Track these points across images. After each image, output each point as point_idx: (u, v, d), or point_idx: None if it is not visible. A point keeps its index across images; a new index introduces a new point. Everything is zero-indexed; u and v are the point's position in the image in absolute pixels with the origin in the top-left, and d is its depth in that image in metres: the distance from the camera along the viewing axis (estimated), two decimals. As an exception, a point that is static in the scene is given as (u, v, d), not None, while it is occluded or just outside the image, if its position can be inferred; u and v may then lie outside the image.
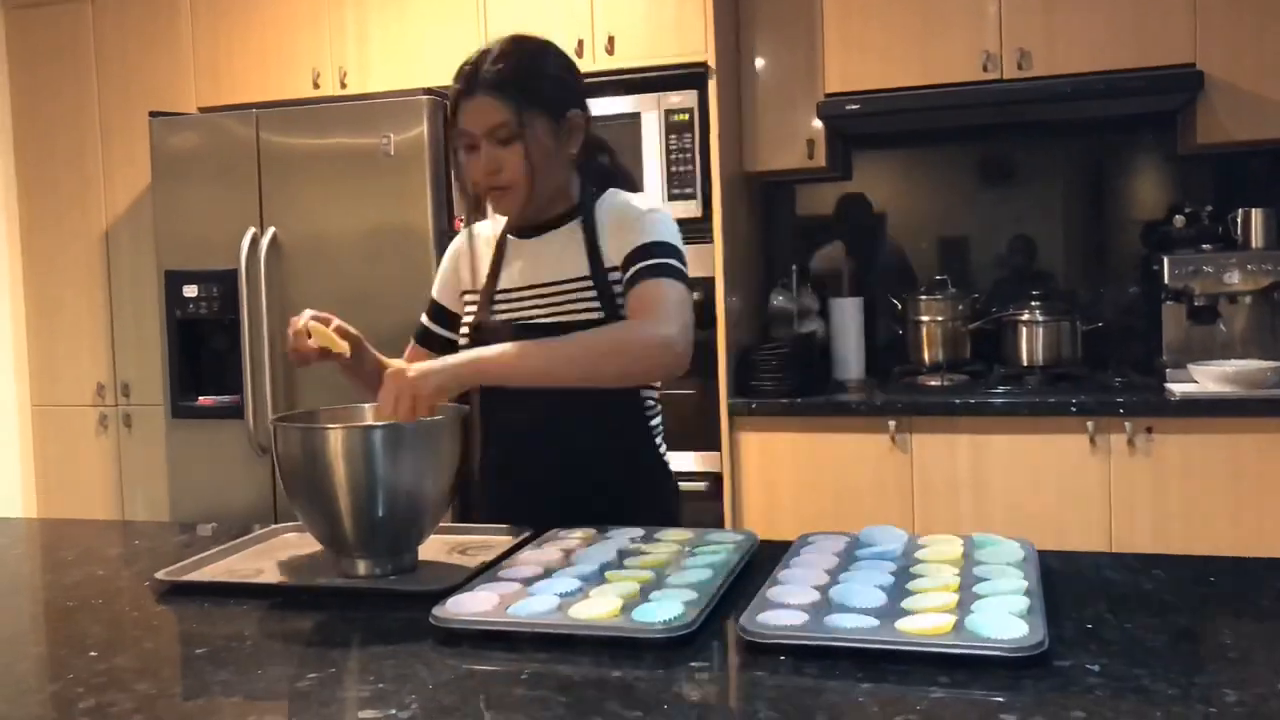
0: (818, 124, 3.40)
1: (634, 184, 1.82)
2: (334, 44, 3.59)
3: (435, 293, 1.88)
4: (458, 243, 1.87)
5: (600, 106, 3.31)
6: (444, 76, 3.47)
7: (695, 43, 3.22)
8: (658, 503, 1.77)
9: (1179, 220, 3.28)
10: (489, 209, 1.75)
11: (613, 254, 1.68)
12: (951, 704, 0.97)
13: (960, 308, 3.50)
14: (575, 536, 1.50)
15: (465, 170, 1.67)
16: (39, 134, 3.88)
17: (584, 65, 3.33)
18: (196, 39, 3.71)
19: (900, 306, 3.58)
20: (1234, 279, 3.14)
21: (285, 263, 3.40)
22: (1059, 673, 1.02)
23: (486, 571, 1.36)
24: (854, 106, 3.28)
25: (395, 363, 1.78)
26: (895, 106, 3.29)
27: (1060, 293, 3.56)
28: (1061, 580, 1.31)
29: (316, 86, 3.60)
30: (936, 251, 3.73)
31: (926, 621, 1.10)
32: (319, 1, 3.59)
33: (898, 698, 0.99)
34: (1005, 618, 1.09)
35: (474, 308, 1.78)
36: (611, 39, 3.33)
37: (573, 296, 1.68)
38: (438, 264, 3.21)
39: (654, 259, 1.62)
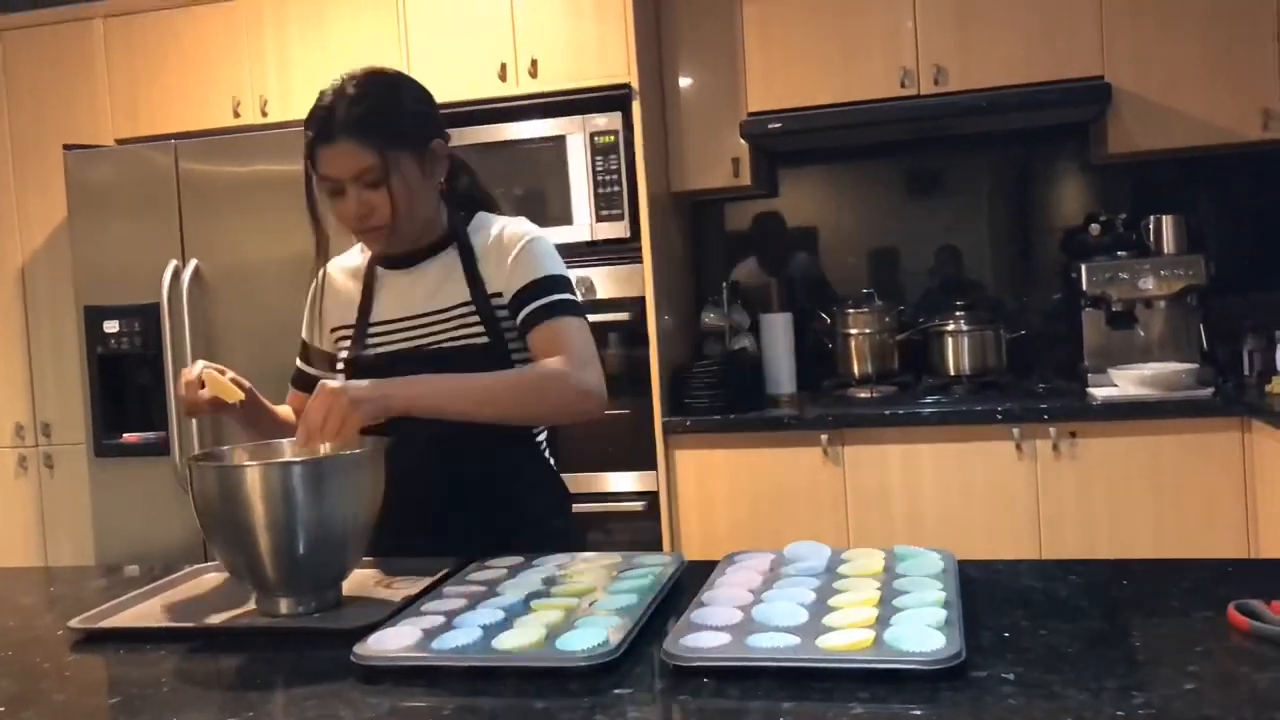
0: (742, 142, 3.44)
1: (497, 205, 1.83)
2: (254, 72, 3.55)
3: (304, 334, 1.85)
4: (318, 282, 1.82)
5: (524, 130, 3.32)
6: (366, 103, 3.46)
7: (618, 65, 3.25)
8: (552, 516, 1.78)
9: (1095, 229, 3.37)
10: (326, 247, 1.73)
11: (495, 281, 1.68)
12: (871, 719, 0.98)
13: (887, 320, 3.56)
14: (500, 566, 1.49)
15: (334, 213, 1.65)
16: (-51, 169, 3.79)
17: (507, 89, 3.35)
18: (112, 69, 3.65)
19: (829, 320, 3.62)
20: (1149, 284, 3.23)
21: (208, 295, 3.35)
22: (976, 683, 1.04)
23: (411, 605, 1.34)
24: (776, 125, 3.33)
25: (284, 409, 1.78)
26: (817, 124, 3.35)
27: (985, 301, 3.63)
28: (981, 589, 1.33)
29: (237, 115, 3.56)
30: (863, 265, 3.79)
31: (846, 637, 1.11)
32: (238, 30, 3.56)
33: (819, 715, 1.00)
34: (924, 630, 1.11)
35: (347, 342, 1.75)
36: (535, 62, 3.33)
37: (456, 323, 1.68)
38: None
39: (549, 295, 1.64)
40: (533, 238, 1.70)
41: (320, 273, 1.80)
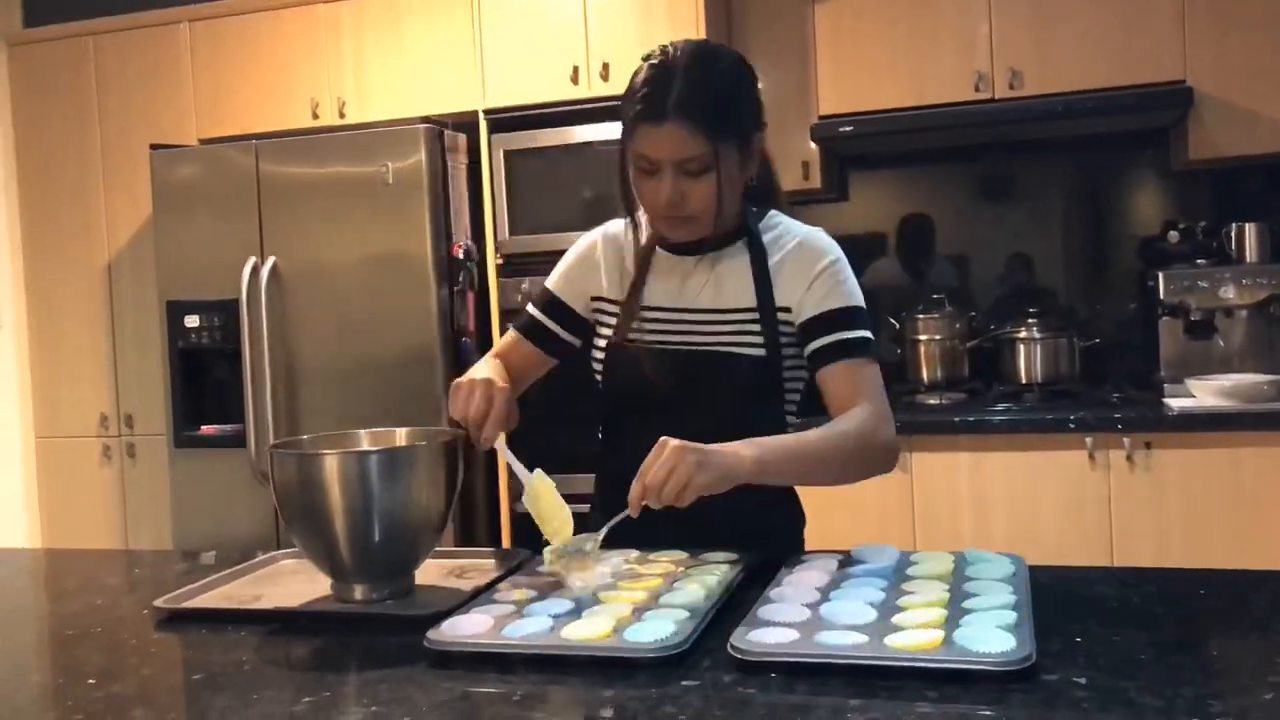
0: (813, 146, 3.43)
1: (783, 198, 1.70)
2: (332, 74, 3.63)
3: (555, 286, 1.71)
4: (595, 240, 1.70)
5: (596, 132, 3.34)
6: (441, 105, 3.54)
7: (689, 68, 3.25)
8: (789, 530, 1.70)
9: (1174, 236, 3.30)
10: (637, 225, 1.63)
11: (788, 294, 1.57)
12: (939, 718, 0.98)
13: (958, 326, 3.52)
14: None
15: (641, 193, 1.54)
16: (41, 167, 3.92)
17: (579, 91, 3.38)
18: (196, 71, 3.75)
19: (898, 326, 3.59)
20: (1229, 293, 3.15)
21: (286, 292, 3.42)
22: (1046, 686, 1.03)
23: (482, 594, 1.37)
24: (847, 128, 3.31)
25: (498, 373, 1.60)
26: (888, 127, 3.32)
27: (1057, 309, 3.57)
28: (1052, 595, 1.31)
29: (315, 117, 3.64)
30: (934, 270, 3.75)
31: (916, 637, 1.11)
32: (317, 32, 3.64)
33: (887, 713, 1.00)
34: (993, 632, 1.10)
35: (610, 319, 1.65)
36: (606, 66, 3.36)
37: (735, 328, 1.58)
38: (437, 291, 3.30)
39: (851, 331, 1.54)
40: (839, 258, 1.60)
41: (599, 234, 1.70)
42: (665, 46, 1.53)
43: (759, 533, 1.57)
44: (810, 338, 1.55)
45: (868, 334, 1.56)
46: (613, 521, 1.36)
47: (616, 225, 1.70)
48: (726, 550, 1.50)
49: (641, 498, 1.30)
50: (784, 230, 1.62)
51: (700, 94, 1.47)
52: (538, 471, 1.43)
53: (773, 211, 1.65)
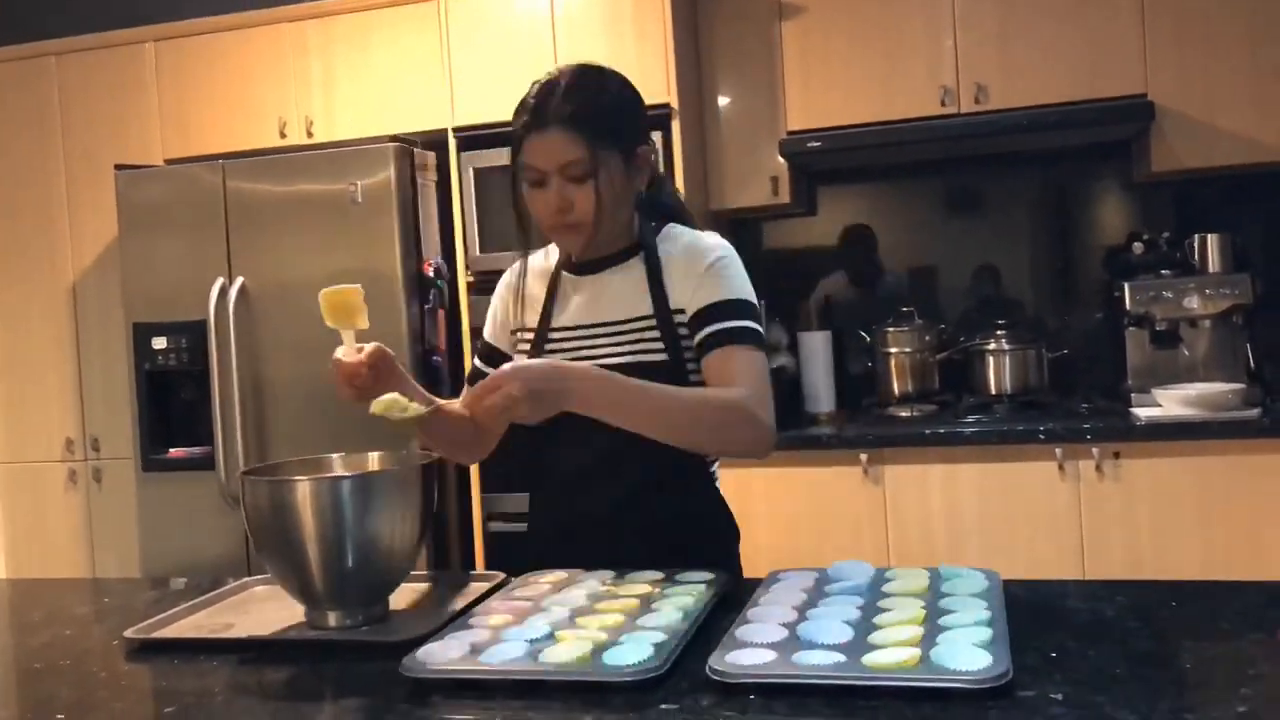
0: (781, 161, 3.45)
1: (691, 218, 1.76)
2: (300, 93, 3.61)
3: (487, 333, 1.81)
4: (508, 279, 1.79)
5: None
6: (410, 123, 3.54)
7: (658, 84, 3.27)
8: (719, 542, 1.72)
9: (1138, 247, 3.34)
10: (531, 241, 1.69)
11: (679, 296, 1.62)
12: (918, 738, 0.98)
13: (928, 338, 3.54)
14: (546, 581, 1.50)
15: (531, 205, 1.60)
16: (3, 187, 3.87)
17: (548, 109, 3.38)
18: (161, 91, 3.72)
19: (869, 339, 3.61)
20: (1193, 303, 3.19)
21: (254, 312, 3.39)
22: (1023, 703, 1.04)
23: (457, 619, 1.36)
24: (816, 143, 3.34)
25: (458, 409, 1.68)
26: (856, 142, 3.35)
27: (1026, 321, 3.60)
28: (1026, 609, 1.32)
29: (283, 135, 3.62)
30: (903, 283, 3.78)
31: (893, 655, 1.11)
32: (284, 51, 3.62)
33: (865, 733, 1.00)
34: (970, 649, 1.10)
35: (527, 346, 1.72)
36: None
37: (635, 336, 1.63)
38: (407, 309, 3.29)
39: (733, 320, 1.58)
40: (723, 255, 1.64)
41: (511, 271, 1.77)
42: (553, 69, 1.62)
43: (685, 545, 1.62)
44: (696, 329, 1.60)
45: (754, 325, 1.59)
46: (441, 402, 1.54)
47: (532, 258, 1.79)
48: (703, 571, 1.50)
49: (469, 411, 1.40)
50: (676, 237, 1.68)
51: (580, 102, 1.55)
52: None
53: (671, 224, 1.71)
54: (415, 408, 1.46)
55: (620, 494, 1.64)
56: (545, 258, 1.75)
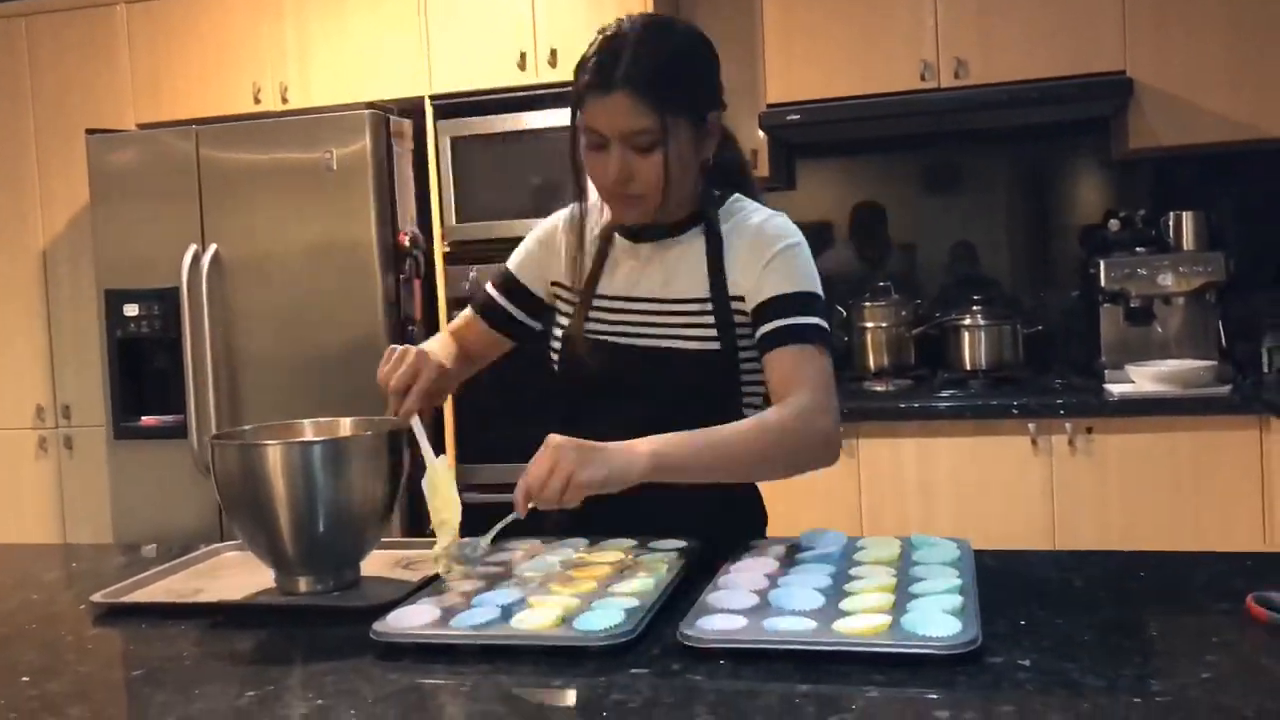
0: (760, 134, 3.44)
1: (756, 187, 1.64)
2: (274, 58, 3.57)
3: (515, 267, 1.68)
4: (557, 223, 1.66)
5: (543, 119, 3.32)
6: (386, 91, 3.50)
7: (637, 55, 3.24)
8: (746, 528, 1.63)
9: (1114, 224, 3.36)
10: (593, 209, 1.58)
11: (741, 282, 1.51)
12: (887, 703, 0.99)
13: (904, 313, 3.55)
14: (519, 548, 1.50)
15: (590, 168, 1.49)
16: (-28, 153, 3.81)
17: (526, 78, 3.35)
18: (134, 55, 3.67)
19: (845, 314, 3.62)
20: (1168, 281, 3.21)
21: (227, 280, 3.36)
22: (991, 669, 1.04)
23: (429, 585, 1.35)
24: (795, 117, 3.32)
25: (447, 348, 1.62)
26: (835, 116, 3.34)
27: (1002, 297, 3.62)
28: (997, 578, 1.33)
29: (258, 101, 3.58)
30: (880, 258, 3.78)
31: (863, 622, 1.11)
32: (259, 16, 3.57)
33: (835, 698, 1.00)
34: (940, 616, 1.11)
35: (567, 307, 1.62)
36: (554, 52, 3.34)
37: (686, 320, 1.52)
38: (383, 279, 3.26)
39: (801, 317, 1.47)
40: (795, 243, 1.52)
41: (562, 217, 1.65)
42: (620, 19, 1.49)
43: (716, 535, 1.51)
44: (759, 323, 1.49)
45: (820, 321, 1.49)
46: (501, 524, 1.34)
47: (572, 209, 1.65)
48: (675, 539, 1.49)
49: (525, 497, 1.26)
50: (743, 216, 1.55)
51: (649, 65, 1.42)
52: (443, 457, 1.42)
53: (736, 196, 1.59)
54: (483, 546, 1.37)
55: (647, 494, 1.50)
56: (600, 212, 1.61)
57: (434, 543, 1.37)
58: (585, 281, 1.59)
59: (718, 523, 1.55)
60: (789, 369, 1.45)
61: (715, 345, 1.51)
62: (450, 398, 3.35)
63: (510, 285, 1.68)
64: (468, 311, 1.71)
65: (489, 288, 1.70)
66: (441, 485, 1.39)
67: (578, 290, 1.60)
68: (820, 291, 1.53)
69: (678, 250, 1.56)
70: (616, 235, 1.60)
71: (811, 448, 1.42)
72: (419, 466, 1.42)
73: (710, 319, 1.52)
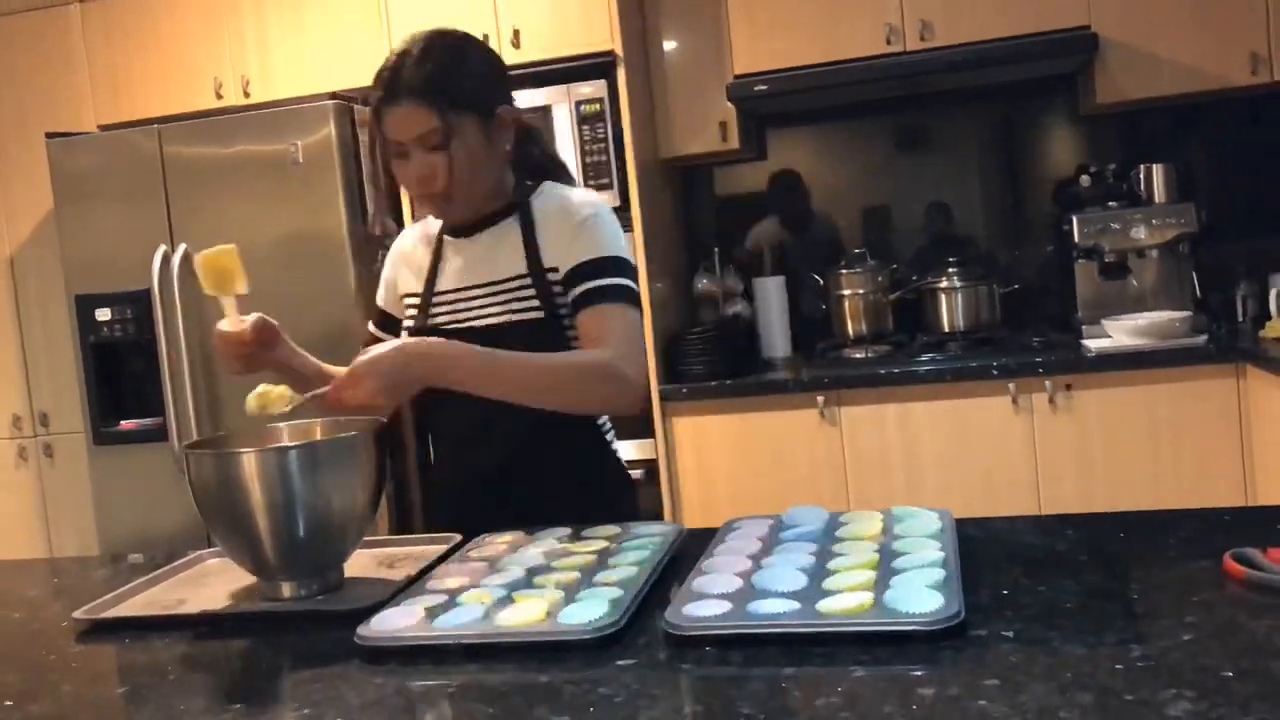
0: (730, 106, 3.42)
1: (568, 174, 1.79)
2: (234, 52, 3.52)
3: (380, 299, 1.85)
4: (397, 245, 1.83)
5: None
6: (348, 80, 3.46)
7: (601, 32, 3.22)
8: (612, 499, 1.74)
9: (1085, 180, 3.36)
10: (401, 213, 1.76)
11: (553, 254, 1.65)
12: (872, 682, 0.99)
13: (880, 279, 3.55)
14: (502, 542, 1.49)
15: (398, 176, 1.63)
16: (-68, 162, 3.76)
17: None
18: (91, 55, 3.62)
19: (822, 282, 3.61)
20: (1140, 234, 3.22)
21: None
22: (975, 642, 1.05)
23: (413, 585, 1.35)
24: (762, 87, 3.30)
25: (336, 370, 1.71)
26: (803, 84, 3.32)
27: (977, 257, 3.62)
28: (979, 547, 1.33)
29: (220, 97, 3.54)
30: (855, 224, 3.77)
31: (846, 601, 1.11)
32: (216, 10, 3.52)
33: (821, 680, 1.00)
34: (922, 591, 1.11)
35: (414, 311, 1.75)
36: (517, 32, 3.30)
37: (511, 296, 1.65)
38: (355, 270, 3.23)
39: (604, 279, 1.61)
40: (596, 212, 1.66)
41: (401, 237, 1.81)
42: (410, 35, 1.63)
43: (577, 501, 1.65)
44: (569, 287, 1.62)
45: (626, 282, 1.62)
46: (315, 392, 1.48)
47: (422, 223, 1.81)
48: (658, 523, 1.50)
49: (336, 397, 1.42)
50: (552, 196, 1.69)
51: (427, 71, 1.56)
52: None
53: (548, 183, 1.72)
54: (293, 397, 1.48)
55: (508, 451, 1.67)
56: (431, 223, 1.77)
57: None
58: (424, 281, 1.74)
59: (584, 502, 1.65)
60: (597, 326, 1.59)
61: (539, 314, 1.64)
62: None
63: (379, 316, 1.84)
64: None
65: (370, 325, 1.85)
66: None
67: (418, 293, 1.75)
68: (627, 255, 1.66)
69: (497, 237, 1.69)
70: (445, 237, 1.74)
71: (603, 390, 1.54)
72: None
73: (532, 292, 1.64)
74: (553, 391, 1.54)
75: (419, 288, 1.75)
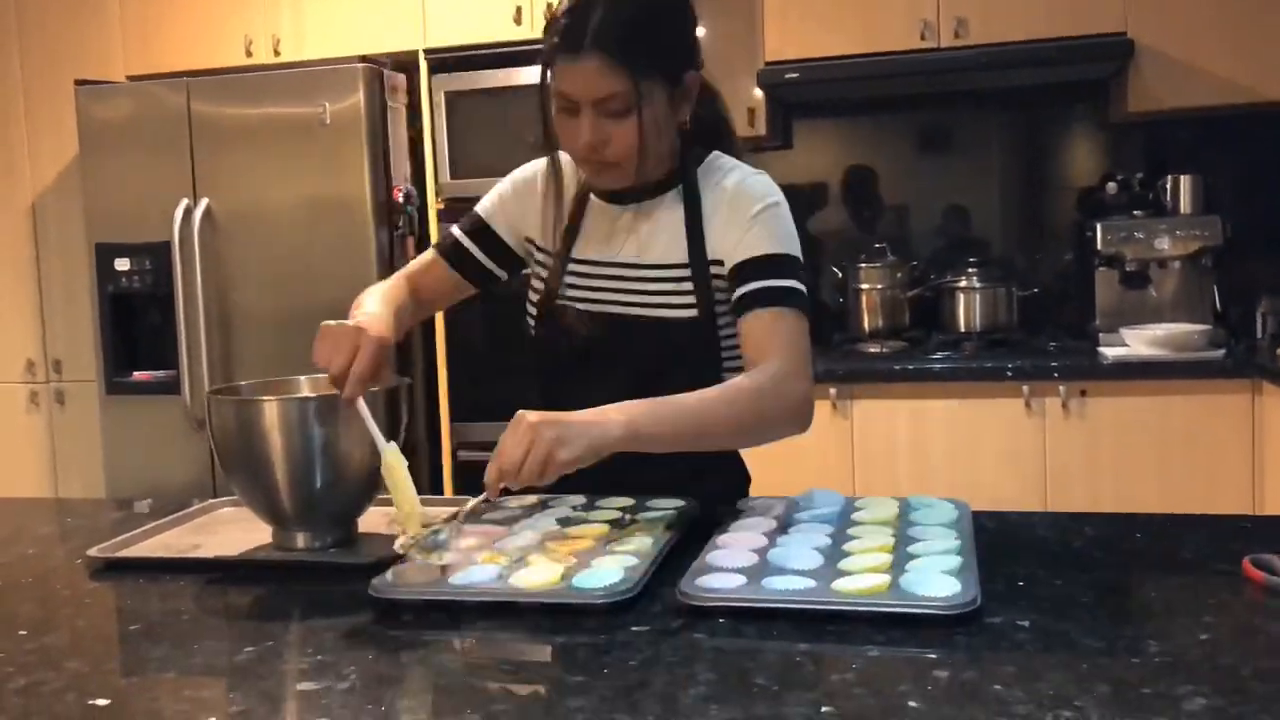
0: (758, 93, 3.41)
1: (737, 143, 1.57)
2: (267, 11, 3.51)
3: (486, 213, 1.61)
4: (536, 173, 1.59)
5: (538, 74, 3.27)
6: (380, 44, 3.46)
7: (634, 10, 3.20)
8: (729, 492, 1.59)
9: (1111, 187, 3.35)
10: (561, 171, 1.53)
11: (720, 245, 1.47)
12: (887, 661, 0.99)
13: (899, 275, 3.54)
14: (517, 506, 1.49)
15: (560, 133, 1.43)
16: (-41, 104, 3.76)
17: (522, 32, 3.31)
18: (123, 5, 3.61)
19: (840, 275, 3.61)
20: (1164, 245, 3.21)
21: (220, 235, 3.34)
22: (991, 629, 1.05)
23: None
24: (793, 75, 3.29)
25: (397, 293, 1.54)
26: (834, 74, 3.31)
27: (997, 259, 3.61)
28: (995, 539, 1.33)
29: (249, 54, 3.53)
30: (876, 219, 3.76)
31: (862, 582, 1.11)
32: (250, -33, 3.52)
33: (835, 656, 1.01)
34: (939, 577, 1.11)
35: (542, 269, 1.57)
36: (550, 5, 3.28)
37: (665, 287, 1.48)
38: (376, 235, 3.24)
39: (777, 279, 1.43)
40: (776, 203, 1.48)
41: (541, 169, 1.57)
42: None
43: (699, 496, 1.49)
44: (736, 284, 1.45)
45: (798, 285, 1.44)
46: (469, 506, 1.30)
47: (535, 163, 1.60)
48: (670, 498, 1.49)
49: (499, 479, 1.21)
50: (723, 175, 1.50)
51: (621, 24, 1.35)
52: (393, 445, 1.31)
53: (716, 154, 1.53)
54: (451, 531, 1.29)
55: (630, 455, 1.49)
56: (576, 170, 1.55)
57: (400, 533, 1.28)
58: (560, 244, 1.55)
59: (700, 484, 1.53)
60: (764, 333, 1.41)
61: (693, 313, 1.48)
62: (442, 355, 3.34)
63: (481, 229, 1.62)
64: (428, 254, 1.66)
65: (455, 230, 1.64)
66: (395, 473, 1.29)
67: (552, 252, 1.56)
68: (799, 254, 1.48)
69: (656, 214, 1.51)
70: (593, 196, 1.55)
71: (784, 415, 1.39)
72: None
73: (689, 285, 1.48)
74: (737, 434, 1.40)
75: (546, 244, 1.56)
